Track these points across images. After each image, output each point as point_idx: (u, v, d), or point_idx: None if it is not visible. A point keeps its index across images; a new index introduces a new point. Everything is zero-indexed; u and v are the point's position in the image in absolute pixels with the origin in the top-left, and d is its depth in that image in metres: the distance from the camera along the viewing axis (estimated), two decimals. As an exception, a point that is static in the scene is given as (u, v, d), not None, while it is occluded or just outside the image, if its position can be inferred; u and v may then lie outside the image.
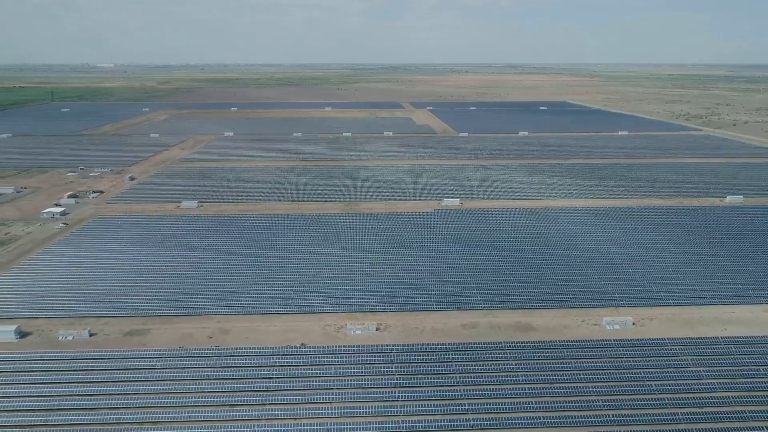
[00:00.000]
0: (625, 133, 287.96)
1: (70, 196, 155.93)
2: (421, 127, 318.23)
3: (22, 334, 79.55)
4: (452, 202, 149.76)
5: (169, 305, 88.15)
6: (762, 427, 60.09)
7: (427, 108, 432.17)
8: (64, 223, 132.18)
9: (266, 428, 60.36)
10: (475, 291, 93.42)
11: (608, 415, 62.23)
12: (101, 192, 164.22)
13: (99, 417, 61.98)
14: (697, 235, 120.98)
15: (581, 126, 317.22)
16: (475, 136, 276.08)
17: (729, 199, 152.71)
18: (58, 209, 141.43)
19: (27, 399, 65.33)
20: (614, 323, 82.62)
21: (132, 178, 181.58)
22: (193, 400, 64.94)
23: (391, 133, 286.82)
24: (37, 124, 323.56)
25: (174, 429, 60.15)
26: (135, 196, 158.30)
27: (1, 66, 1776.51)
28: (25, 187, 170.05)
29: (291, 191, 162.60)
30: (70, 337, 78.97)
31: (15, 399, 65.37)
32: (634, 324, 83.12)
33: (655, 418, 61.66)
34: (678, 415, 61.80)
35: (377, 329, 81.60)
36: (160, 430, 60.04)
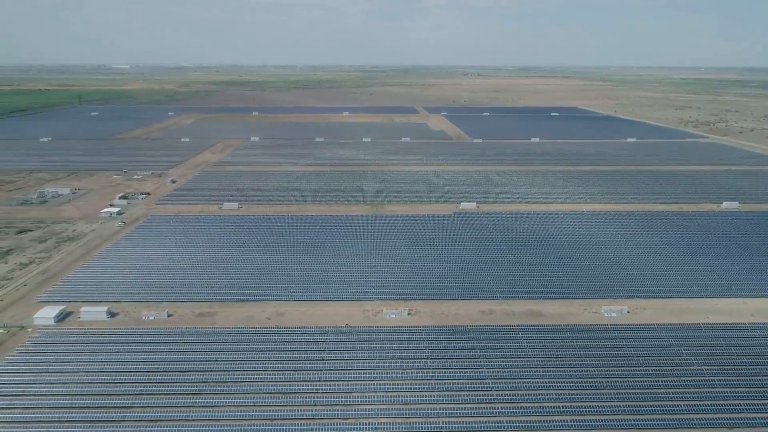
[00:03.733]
0: (634, 140, 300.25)
1: (121, 198, 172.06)
2: (437, 132, 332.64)
3: (111, 315, 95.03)
4: (469, 206, 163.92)
5: (230, 292, 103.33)
6: (727, 392, 73.78)
7: (442, 113, 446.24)
8: (123, 222, 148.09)
9: (324, 388, 75.08)
10: (492, 283, 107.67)
11: (601, 382, 76.23)
12: (148, 194, 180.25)
13: (191, 377, 77.08)
14: (691, 238, 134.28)
15: (591, 132, 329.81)
16: (488, 142, 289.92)
17: (725, 205, 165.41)
18: (115, 209, 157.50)
19: (129, 363, 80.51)
20: (612, 311, 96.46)
21: (173, 181, 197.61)
22: (262, 366, 79.82)
23: (408, 138, 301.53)
24: (71, 127, 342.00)
25: (250, 386, 75.03)
26: (179, 198, 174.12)
27: (18, 67, 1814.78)
28: (79, 189, 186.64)
29: (320, 194, 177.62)
30: (152, 317, 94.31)
31: (120, 363, 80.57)
32: (629, 312, 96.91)
33: (640, 384, 75.55)
34: (659, 382, 75.71)
35: (409, 314, 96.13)
36: (241, 386, 75.04)
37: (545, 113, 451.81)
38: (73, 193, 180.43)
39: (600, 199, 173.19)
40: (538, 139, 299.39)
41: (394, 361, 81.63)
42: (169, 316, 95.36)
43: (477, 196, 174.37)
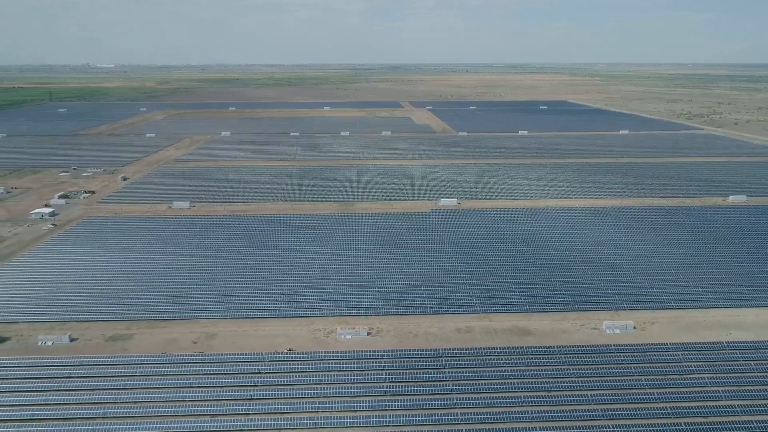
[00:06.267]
0: (626, 132, 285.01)
1: (60, 197, 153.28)
2: (420, 126, 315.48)
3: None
4: (449, 202, 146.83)
5: (154, 309, 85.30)
6: (769, 438, 57.19)
7: (427, 107, 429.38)
8: (53, 224, 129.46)
9: (248, 439, 57.55)
10: (471, 294, 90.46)
11: (608, 425, 59.19)
12: (92, 192, 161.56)
13: (74, 428, 59.07)
14: (699, 236, 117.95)
15: (582, 125, 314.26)
16: (474, 135, 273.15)
17: (732, 199, 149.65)
18: (47, 210, 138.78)
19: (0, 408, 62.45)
20: (614, 327, 79.68)
21: (125, 179, 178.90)
22: (173, 409, 62.02)
23: (389, 132, 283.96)
24: (33, 124, 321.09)
25: (152, 440, 57.38)
26: (126, 197, 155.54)
27: (3, 67, 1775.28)
28: (16, 188, 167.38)
29: (285, 191, 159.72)
30: (50, 343, 76.15)
31: (-13, 408, 62.53)
32: (634, 328, 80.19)
33: (657, 429, 58.63)
34: (681, 425, 58.82)
35: (368, 334, 78.69)
36: (137, 441, 57.28)
37: (534, 107, 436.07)
38: (8, 192, 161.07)
39: (594, 194, 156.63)
40: (526, 132, 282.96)
41: (345, 399, 64.13)
42: (72, 340, 77.13)
43: (458, 192, 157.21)
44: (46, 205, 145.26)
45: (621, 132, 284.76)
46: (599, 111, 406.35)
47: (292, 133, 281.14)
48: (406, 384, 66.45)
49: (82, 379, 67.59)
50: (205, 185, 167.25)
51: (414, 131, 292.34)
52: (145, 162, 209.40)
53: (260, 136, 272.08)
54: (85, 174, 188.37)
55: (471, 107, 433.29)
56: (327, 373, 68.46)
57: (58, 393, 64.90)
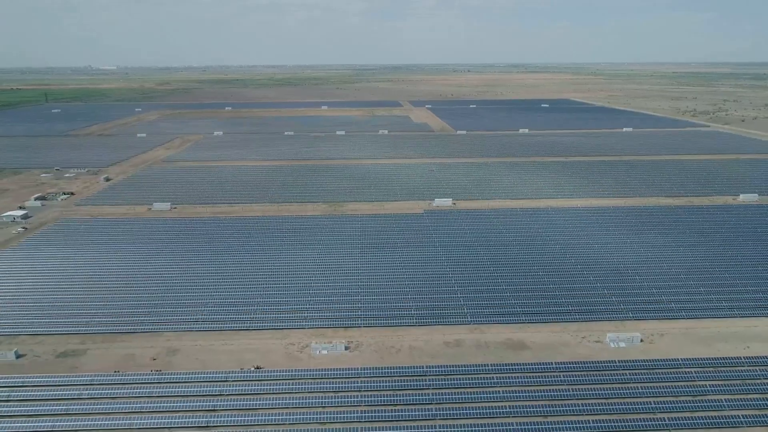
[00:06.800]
0: (630, 129, 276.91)
1: (37, 198, 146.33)
2: (418, 124, 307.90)
3: (-62, 357, 69.50)
4: (444, 202, 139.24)
5: (113, 320, 77.96)
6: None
7: (426, 106, 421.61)
8: (23, 228, 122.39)
9: (199, 476, 50.12)
10: (462, 302, 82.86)
11: (613, 457, 51.63)
12: (72, 194, 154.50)
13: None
14: (710, 237, 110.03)
15: (584, 123, 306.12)
16: (473, 134, 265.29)
17: (743, 198, 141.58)
18: (20, 212, 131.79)
19: None
20: (619, 340, 71.97)
21: (108, 179, 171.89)
22: (118, 439, 54.67)
23: (386, 131, 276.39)
24: (24, 125, 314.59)
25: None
26: (106, 198, 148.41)
27: (5, 69, 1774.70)
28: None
29: (272, 192, 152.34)
30: (-7, 360, 68.91)
31: None
32: (642, 341, 72.47)
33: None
34: (697, 459, 51.19)
35: (347, 348, 71.18)
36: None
37: (535, 105, 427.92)
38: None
39: (597, 193, 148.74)
40: (527, 130, 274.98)
41: (313, 426, 56.61)
42: (18, 357, 69.91)
43: (454, 192, 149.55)
44: (21, 207, 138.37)
45: (624, 129, 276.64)
46: (602, 109, 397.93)
47: (285, 133, 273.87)
48: (383, 408, 58.90)
49: (21, 402, 60.28)
50: (191, 186, 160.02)
51: (411, 130, 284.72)
52: (131, 162, 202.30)
53: (253, 136, 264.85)
54: (67, 175, 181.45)
55: (471, 105, 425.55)
56: (296, 395, 60.98)
57: (-9, 419, 57.64)
